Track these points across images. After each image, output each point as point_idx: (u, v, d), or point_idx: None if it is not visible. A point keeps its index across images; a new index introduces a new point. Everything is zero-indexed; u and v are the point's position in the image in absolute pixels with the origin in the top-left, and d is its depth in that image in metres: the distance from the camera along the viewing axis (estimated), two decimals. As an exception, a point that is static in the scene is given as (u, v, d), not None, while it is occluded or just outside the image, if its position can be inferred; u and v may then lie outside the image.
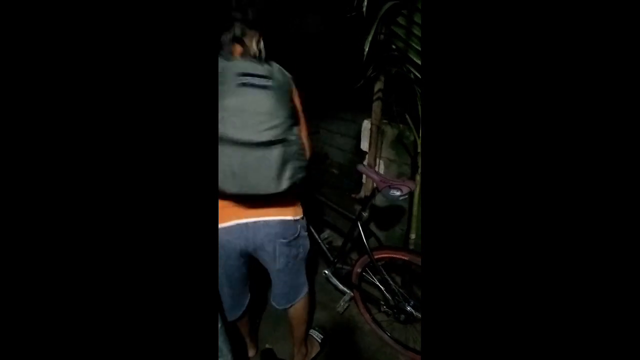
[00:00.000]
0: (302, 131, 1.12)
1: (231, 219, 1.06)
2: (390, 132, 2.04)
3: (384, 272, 1.48)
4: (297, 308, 1.35)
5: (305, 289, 1.34)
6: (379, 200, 2.03)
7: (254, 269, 1.28)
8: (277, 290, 1.29)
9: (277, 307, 1.33)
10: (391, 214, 2.02)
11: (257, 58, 1.08)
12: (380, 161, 2.11)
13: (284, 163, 0.98)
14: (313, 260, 2.06)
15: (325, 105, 2.22)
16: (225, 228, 1.07)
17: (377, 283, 1.58)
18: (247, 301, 1.35)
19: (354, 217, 1.47)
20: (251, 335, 1.56)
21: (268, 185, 0.97)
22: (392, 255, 1.45)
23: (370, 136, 2.04)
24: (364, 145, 2.09)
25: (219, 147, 0.94)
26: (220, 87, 0.95)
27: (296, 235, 1.17)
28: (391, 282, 1.49)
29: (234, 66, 1.00)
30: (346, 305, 1.75)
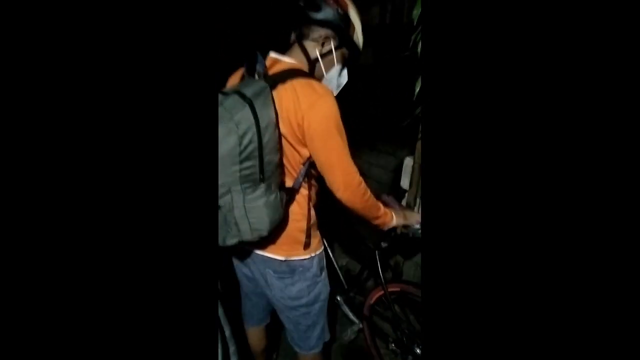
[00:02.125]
0: (331, 181, 0.95)
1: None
2: (431, 172, 2.02)
3: (396, 308, 1.45)
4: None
5: (318, 348, 1.25)
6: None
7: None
8: (283, 322, 1.24)
9: (289, 341, 1.29)
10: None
11: (311, 66, 1.00)
12: (420, 201, 2.08)
13: (226, 224, 0.92)
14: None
15: (364, 135, 2.25)
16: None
17: (389, 318, 1.54)
18: (258, 321, 1.36)
19: (372, 246, 1.47)
20: None
21: (221, 240, 0.95)
22: (406, 290, 1.42)
23: (412, 174, 2.04)
24: (404, 183, 2.08)
25: None
26: None
27: (290, 274, 1.08)
28: (402, 320, 1.45)
29: (237, 85, 0.92)
30: (353, 335, 1.72)
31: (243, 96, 0.84)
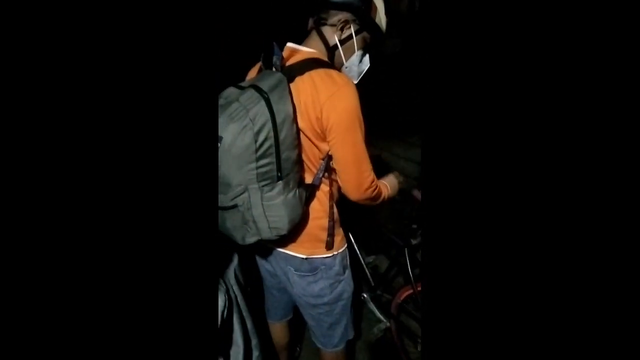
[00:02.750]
0: (343, 179, 0.92)
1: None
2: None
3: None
4: (328, 357, 1.24)
5: (341, 346, 1.21)
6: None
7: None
8: (305, 319, 1.21)
9: (312, 338, 1.26)
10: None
11: (331, 54, 0.94)
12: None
13: (244, 223, 0.89)
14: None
15: (391, 127, 2.17)
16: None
17: (418, 318, 1.48)
18: (281, 316, 1.35)
19: (401, 243, 1.41)
20: None
21: (236, 237, 0.92)
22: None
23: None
24: (432, 175, 2.00)
25: None
26: None
27: (312, 272, 1.04)
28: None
29: (254, 79, 0.88)
30: (380, 334, 1.67)
31: (259, 90, 0.80)
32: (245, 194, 0.85)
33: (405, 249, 1.40)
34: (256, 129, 0.78)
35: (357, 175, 0.90)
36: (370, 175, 0.92)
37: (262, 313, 1.36)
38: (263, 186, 0.84)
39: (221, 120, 0.79)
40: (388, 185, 1.07)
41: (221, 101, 0.83)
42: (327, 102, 0.83)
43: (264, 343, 1.22)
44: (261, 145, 0.79)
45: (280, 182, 0.85)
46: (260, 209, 0.86)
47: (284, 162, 0.84)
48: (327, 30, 0.93)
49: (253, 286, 1.25)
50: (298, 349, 1.70)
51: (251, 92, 0.81)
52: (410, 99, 2.01)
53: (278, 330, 1.39)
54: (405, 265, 1.40)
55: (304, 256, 1.02)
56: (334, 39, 0.93)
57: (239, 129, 0.77)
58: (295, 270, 1.05)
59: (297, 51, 0.94)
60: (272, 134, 0.79)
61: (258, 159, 0.80)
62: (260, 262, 1.20)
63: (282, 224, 0.88)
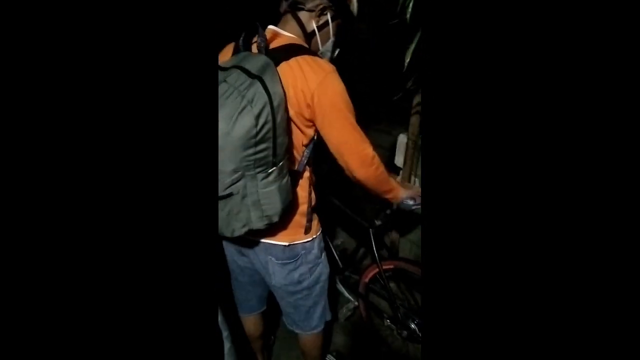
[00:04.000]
0: (345, 159, 0.91)
1: None
2: (426, 148, 1.98)
3: (391, 285, 1.44)
4: (307, 340, 1.27)
5: (320, 327, 1.23)
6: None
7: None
8: (282, 308, 1.22)
9: (287, 326, 1.27)
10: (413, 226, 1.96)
11: (308, 40, 0.92)
12: (416, 179, 2.05)
13: (236, 213, 0.86)
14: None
15: (359, 114, 2.20)
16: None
17: (384, 295, 1.54)
18: (255, 309, 1.33)
19: (366, 224, 1.45)
20: (263, 353, 1.50)
21: (222, 229, 0.89)
22: (400, 267, 1.41)
23: (406, 151, 1.99)
24: (399, 161, 2.04)
25: None
26: None
27: (294, 259, 1.05)
28: (397, 297, 1.45)
29: (233, 60, 0.83)
30: (349, 313, 1.73)
31: (247, 72, 0.77)
32: (242, 182, 0.81)
33: (370, 230, 1.44)
34: (256, 111, 0.74)
35: (357, 153, 0.91)
36: (370, 150, 0.93)
37: (232, 304, 1.35)
38: (258, 172, 0.81)
39: None
40: (401, 186, 1.08)
41: None
42: (317, 89, 0.83)
43: (236, 334, 1.23)
44: (261, 128, 0.75)
45: (275, 168, 0.82)
46: (255, 196, 0.83)
47: (279, 148, 0.81)
48: (304, 16, 0.91)
49: (220, 277, 1.25)
50: (272, 337, 1.71)
51: (237, 73, 0.77)
52: (381, 90, 2.02)
53: (252, 322, 1.38)
54: (371, 246, 1.44)
55: (286, 243, 1.02)
56: (312, 24, 0.92)
57: (234, 112, 0.73)
58: (276, 260, 1.04)
59: (279, 35, 0.92)
60: (270, 117, 0.76)
61: (257, 144, 0.76)
62: (235, 257, 1.17)
63: (274, 211, 0.86)
